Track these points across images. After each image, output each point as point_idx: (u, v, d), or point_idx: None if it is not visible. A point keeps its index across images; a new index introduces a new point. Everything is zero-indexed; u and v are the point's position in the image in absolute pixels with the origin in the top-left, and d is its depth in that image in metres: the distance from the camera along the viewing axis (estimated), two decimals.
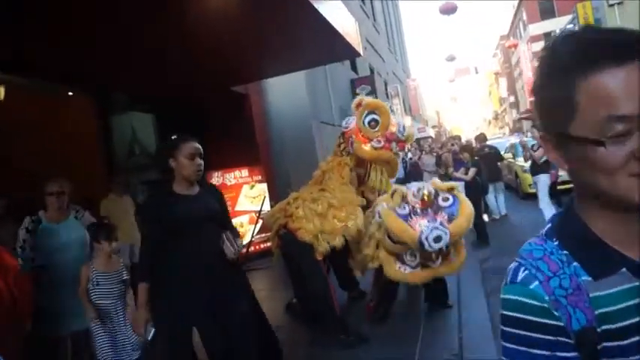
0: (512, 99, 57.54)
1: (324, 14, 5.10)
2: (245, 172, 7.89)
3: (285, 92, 9.00)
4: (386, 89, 22.92)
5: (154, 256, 2.64)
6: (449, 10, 26.07)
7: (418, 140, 31.39)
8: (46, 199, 3.47)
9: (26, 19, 3.71)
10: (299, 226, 3.95)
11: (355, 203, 4.01)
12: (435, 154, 12.29)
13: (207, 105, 7.54)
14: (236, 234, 2.86)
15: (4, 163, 4.78)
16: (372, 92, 15.37)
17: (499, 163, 10.02)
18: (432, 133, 36.72)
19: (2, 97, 4.96)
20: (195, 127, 7.70)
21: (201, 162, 2.73)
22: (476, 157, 7.75)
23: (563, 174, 10.07)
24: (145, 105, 7.40)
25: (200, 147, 2.76)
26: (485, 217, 9.25)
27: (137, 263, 2.82)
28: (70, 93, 5.93)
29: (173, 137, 2.81)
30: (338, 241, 3.88)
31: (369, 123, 3.97)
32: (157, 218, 2.63)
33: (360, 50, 7.47)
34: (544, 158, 7.39)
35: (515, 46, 47.37)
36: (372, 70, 18.87)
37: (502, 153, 13.01)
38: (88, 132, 6.21)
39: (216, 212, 2.80)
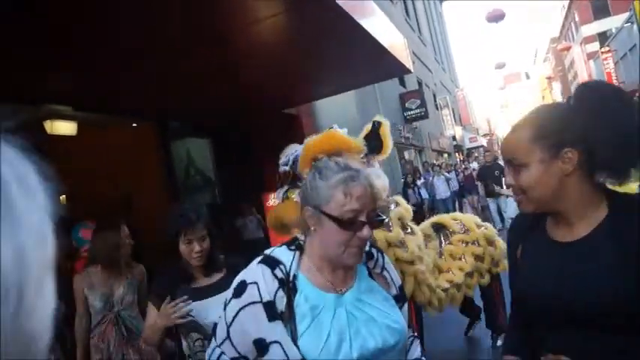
0: None
1: (373, 34, 5.14)
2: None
3: (335, 112, 9.09)
4: (435, 101, 22.67)
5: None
6: (496, 17, 25.60)
7: (470, 150, 30.83)
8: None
9: (96, 62, 3.98)
10: None
11: None
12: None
13: (260, 128, 7.72)
14: None
15: (82, 195, 5.06)
16: (422, 105, 15.25)
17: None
18: (483, 142, 35.88)
19: (76, 132, 5.31)
20: (250, 150, 7.99)
21: None
22: None
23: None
24: (200, 131, 7.69)
25: None
26: None
27: None
28: (134, 125, 6.27)
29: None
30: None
31: None
32: None
33: (410, 66, 7.45)
34: None
35: (568, 49, 45.73)
36: (419, 83, 18.75)
37: None
38: (151, 160, 6.52)
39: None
